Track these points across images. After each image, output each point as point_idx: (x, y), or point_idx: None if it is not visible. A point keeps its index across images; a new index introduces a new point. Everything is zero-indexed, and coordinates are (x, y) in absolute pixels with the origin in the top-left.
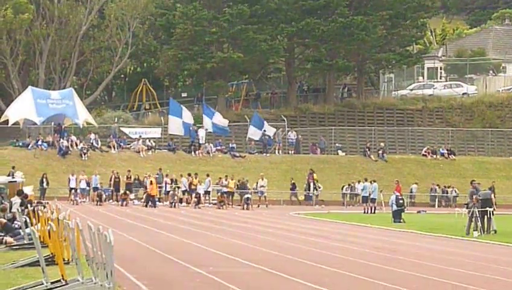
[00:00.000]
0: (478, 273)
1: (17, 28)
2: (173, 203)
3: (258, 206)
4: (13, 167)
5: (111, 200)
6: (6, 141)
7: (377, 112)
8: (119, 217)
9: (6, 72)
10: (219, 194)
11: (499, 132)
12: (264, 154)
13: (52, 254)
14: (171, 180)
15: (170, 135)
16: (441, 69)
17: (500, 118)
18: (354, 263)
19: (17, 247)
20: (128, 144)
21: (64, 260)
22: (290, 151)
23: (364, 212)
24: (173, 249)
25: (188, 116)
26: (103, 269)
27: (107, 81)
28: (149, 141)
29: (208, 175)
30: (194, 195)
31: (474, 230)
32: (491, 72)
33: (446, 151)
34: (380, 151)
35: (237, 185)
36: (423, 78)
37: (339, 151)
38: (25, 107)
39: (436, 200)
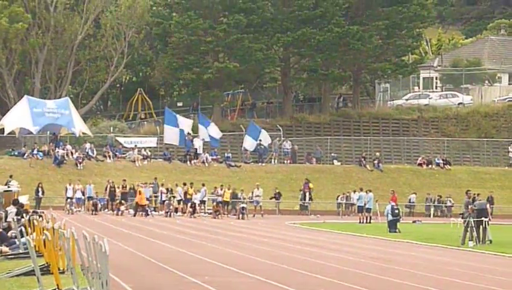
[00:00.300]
0: (473, 283)
1: (12, 37)
2: (168, 213)
3: (254, 216)
4: (11, 176)
5: (106, 210)
6: (2, 150)
7: (373, 121)
8: (115, 226)
9: (2, 81)
10: (214, 203)
11: (494, 142)
12: (260, 163)
13: (47, 263)
14: (167, 189)
15: (166, 144)
16: (436, 79)
17: (495, 128)
18: (349, 273)
19: (12, 256)
20: (124, 154)
21: (59, 269)
22: (285, 161)
23: (360, 222)
24: (168, 258)
25: (185, 123)
26: (98, 278)
27: (103, 90)
28: (144, 150)
29: (203, 185)
30: (189, 204)
31: (469, 240)
32: (486, 82)
33: (441, 161)
34: (376, 161)
35: (232, 195)
36: (419, 88)
37: (335, 161)
38: (20, 116)
39: (432, 210)
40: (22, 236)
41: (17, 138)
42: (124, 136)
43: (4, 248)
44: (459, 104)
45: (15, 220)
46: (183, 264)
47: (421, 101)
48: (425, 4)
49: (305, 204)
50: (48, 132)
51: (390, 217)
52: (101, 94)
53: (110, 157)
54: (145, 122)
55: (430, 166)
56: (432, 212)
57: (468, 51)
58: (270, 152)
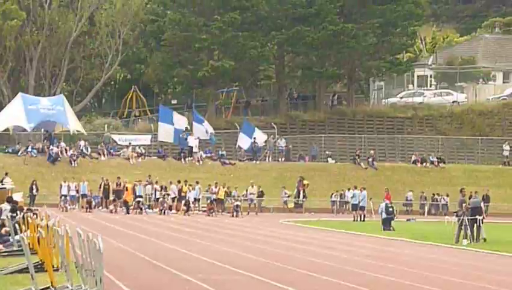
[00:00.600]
0: (467, 282)
1: (6, 35)
2: (163, 211)
3: (248, 214)
4: (6, 173)
5: (100, 207)
6: None
7: (367, 119)
8: (109, 224)
9: None
10: (209, 201)
11: (488, 140)
12: (254, 161)
13: (41, 260)
14: (161, 187)
15: (160, 142)
16: (431, 77)
17: (489, 126)
18: (344, 271)
19: (6, 254)
20: (118, 151)
21: (53, 266)
22: (280, 159)
23: (354, 220)
24: (163, 256)
25: (180, 121)
26: (92, 276)
27: (97, 88)
28: (139, 148)
29: (197, 182)
30: (183, 202)
31: (463, 238)
32: (481, 80)
33: (436, 159)
34: (370, 159)
35: (227, 193)
36: (413, 86)
37: (329, 159)
38: (15, 114)
39: (426, 208)
40: (16, 233)
41: (11, 135)
42: (118, 134)
43: None
44: (453, 102)
45: (9, 217)
46: (177, 262)
47: (416, 99)
48: (419, 2)
49: (300, 202)
50: (42, 129)
51: (384, 215)
52: (95, 92)
53: (104, 155)
54: (139, 120)
55: (424, 164)
56: (426, 210)
57: (462, 49)
58: (265, 150)
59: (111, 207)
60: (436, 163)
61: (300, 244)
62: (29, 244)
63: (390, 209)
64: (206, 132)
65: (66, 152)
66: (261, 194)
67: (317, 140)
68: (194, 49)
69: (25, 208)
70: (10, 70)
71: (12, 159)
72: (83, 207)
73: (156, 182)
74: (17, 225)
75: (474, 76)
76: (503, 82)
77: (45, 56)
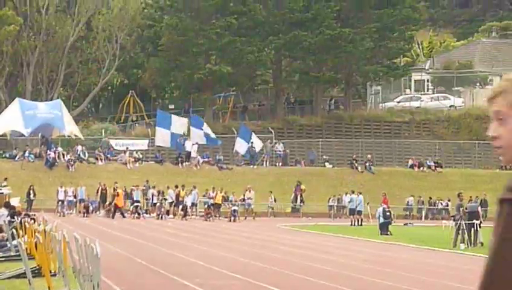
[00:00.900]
0: (464, 286)
1: (3, 40)
2: (160, 215)
3: (245, 218)
4: (5, 179)
5: (98, 212)
6: None
7: (364, 124)
8: (106, 229)
9: None
10: (206, 206)
11: (485, 145)
12: (251, 166)
13: (38, 265)
14: (158, 192)
15: (157, 146)
16: (428, 81)
17: (486, 131)
18: (341, 276)
19: (3, 259)
20: (115, 156)
21: (51, 272)
22: (277, 164)
23: (352, 225)
24: (160, 261)
25: (179, 124)
26: (90, 281)
27: (94, 93)
28: (136, 152)
29: (194, 187)
30: (181, 207)
31: (461, 242)
32: (478, 84)
33: (433, 164)
34: (367, 164)
35: (224, 197)
36: (410, 90)
37: (326, 164)
38: (12, 119)
39: (423, 212)
40: (14, 239)
41: (8, 140)
42: (116, 139)
43: None
44: (450, 106)
45: (6, 222)
46: (174, 267)
47: (413, 104)
48: (416, 7)
49: (297, 206)
50: (40, 134)
51: (381, 220)
52: (92, 97)
53: (101, 160)
54: (137, 125)
55: (421, 168)
56: (423, 214)
57: (459, 53)
58: (262, 155)
59: (103, 212)
60: (434, 167)
61: (297, 249)
62: (26, 249)
63: (388, 213)
64: (205, 135)
65: (64, 157)
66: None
67: (314, 145)
68: (191, 54)
69: (23, 213)
70: (7, 75)
71: (9, 164)
72: (80, 212)
73: (154, 187)
74: (14, 230)
75: (471, 80)
76: None
77: (42, 61)
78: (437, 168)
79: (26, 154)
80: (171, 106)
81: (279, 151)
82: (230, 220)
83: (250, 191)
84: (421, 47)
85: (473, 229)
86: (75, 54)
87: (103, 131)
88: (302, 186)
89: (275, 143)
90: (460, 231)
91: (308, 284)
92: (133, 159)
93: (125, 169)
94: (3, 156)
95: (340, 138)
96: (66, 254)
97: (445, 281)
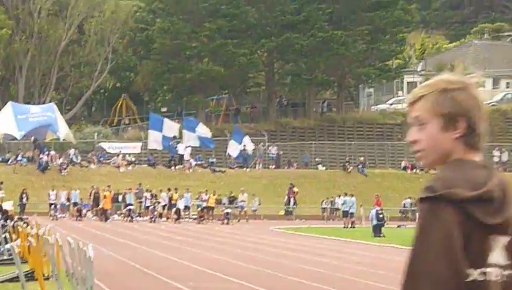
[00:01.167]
0: None
1: None
2: (153, 218)
3: (239, 221)
4: (1, 183)
5: (87, 215)
6: None
7: (357, 126)
8: (99, 232)
9: None
10: (199, 209)
11: None
12: (244, 169)
13: (32, 269)
14: (151, 195)
15: (150, 149)
16: (420, 83)
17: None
18: (334, 278)
19: None
20: (108, 159)
21: (44, 275)
22: (270, 166)
23: (345, 227)
24: (153, 264)
25: (171, 127)
26: (83, 284)
27: (87, 96)
28: (129, 156)
29: (187, 190)
30: (174, 210)
31: None
32: None
33: None
34: (360, 166)
35: (217, 200)
36: (403, 92)
37: (319, 166)
38: (5, 122)
39: (417, 214)
40: (7, 242)
41: (1, 144)
42: (109, 142)
43: None
44: None
45: None
46: (167, 270)
47: (405, 106)
48: (408, 9)
49: (290, 209)
50: (32, 138)
51: (375, 222)
52: (85, 100)
53: (94, 163)
54: (129, 128)
55: (414, 170)
56: (416, 216)
57: (452, 55)
58: (255, 157)
59: (90, 214)
60: (426, 169)
61: (290, 252)
62: (19, 253)
63: (381, 215)
64: (199, 138)
65: (56, 161)
66: (232, 200)
67: (307, 147)
68: (184, 57)
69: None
70: (0, 79)
71: (2, 167)
72: (73, 215)
73: (147, 190)
74: (7, 234)
75: None
76: (493, 88)
77: (35, 64)
78: (430, 170)
79: (19, 158)
80: (164, 109)
81: (272, 154)
82: (223, 223)
83: (243, 194)
84: (413, 49)
85: None
86: (68, 57)
87: (96, 134)
88: (295, 189)
89: (268, 146)
90: None
91: (301, 287)
92: (126, 163)
93: (118, 172)
94: None
95: (333, 140)
96: (59, 257)
97: None
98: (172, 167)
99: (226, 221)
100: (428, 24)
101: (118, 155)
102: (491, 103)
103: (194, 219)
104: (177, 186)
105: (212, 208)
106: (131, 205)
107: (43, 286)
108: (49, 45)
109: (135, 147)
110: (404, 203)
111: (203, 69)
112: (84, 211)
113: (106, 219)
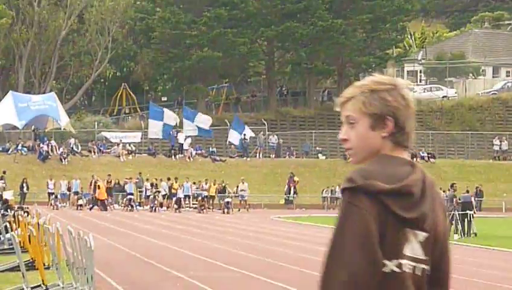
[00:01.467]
0: (458, 276)
1: None
2: (153, 208)
3: (239, 210)
4: (4, 172)
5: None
6: None
7: None
8: (100, 221)
9: None
10: (199, 198)
11: (478, 135)
12: (245, 158)
13: (32, 259)
14: (151, 184)
15: (150, 139)
16: (420, 72)
17: (480, 121)
18: None
19: None
20: (108, 149)
21: (44, 264)
22: (270, 155)
23: None
24: (154, 253)
25: (170, 117)
26: (84, 273)
27: (87, 85)
28: (129, 145)
29: (188, 179)
30: (174, 199)
31: (454, 233)
32: (470, 75)
33: (426, 155)
34: None
35: (217, 190)
36: None
37: (319, 155)
38: (6, 112)
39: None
40: (7, 232)
41: (1, 133)
42: (109, 131)
43: None
44: (443, 97)
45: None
46: (168, 259)
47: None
48: None
49: (290, 198)
50: (33, 127)
51: None
52: (85, 89)
53: (94, 153)
54: (130, 117)
55: (414, 159)
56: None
57: (452, 44)
58: (255, 147)
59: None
60: (427, 158)
61: (291, 241)
62: (20, 242)
63: None
64: (198, 127)
65: (57, 150)
66: (223, 190)
67: (307, 136)
68: (184, 46)
69: (16, 206)
70: (0, 68)
71: (2, 157)
72: (73, 205)
73: (147, 179)
74: (8, 224)
75: (464, 71)
76: (493, 77)
77: (35, 54)
78: (430, 159)
79: (19, 147)
80: (164, 98)
81: (273, 143)
82: (223, 212)
83: (243, 183)
84: (413, 38)
85: (466, 219)
86: (68, 46)
87: (96, 124)
88: (296, 178)
89: (268, 135)
90: (453, 222)
91: (302, 276)
92: (126, 152)
93: (119, 162)
94: None
95: (333, 129)
96: (59, 247)
97: None
98: (173, 156)
99: (226, 210)
100: (428, 12)
101: (118, 144)
102: (491, 91)
103: (195, 208)
104: (178, 176)
105: (212, 197)
106: (131, 194)
107: (44, 275)
108: (49, 35)
109: (135, 137)
110: None
111: (203, 56)
112: (84, 201)
113: (105, 209)
